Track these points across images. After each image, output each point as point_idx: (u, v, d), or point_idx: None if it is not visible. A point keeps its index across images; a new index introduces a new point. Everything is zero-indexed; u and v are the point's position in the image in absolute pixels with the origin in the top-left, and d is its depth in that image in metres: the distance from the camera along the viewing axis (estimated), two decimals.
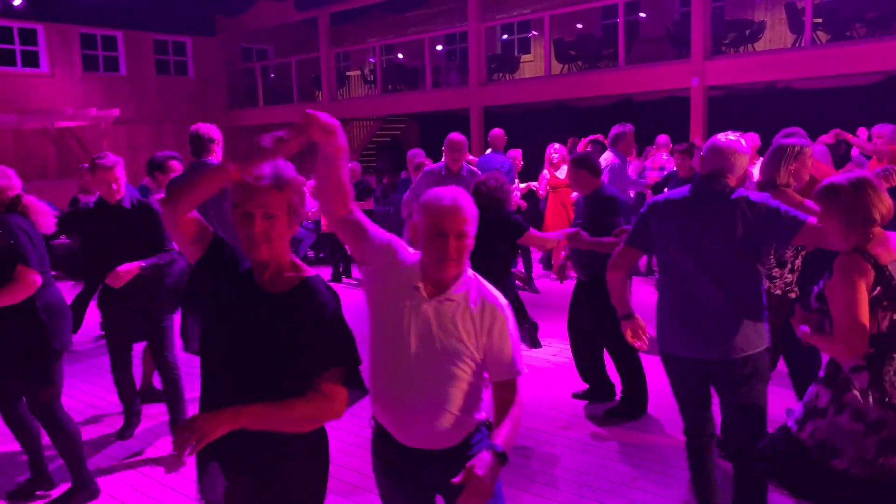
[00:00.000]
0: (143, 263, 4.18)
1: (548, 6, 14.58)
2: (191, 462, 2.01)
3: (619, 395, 4.92)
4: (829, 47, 10.74)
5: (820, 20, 11.30)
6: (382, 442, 2.27)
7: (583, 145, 9.06)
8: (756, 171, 4.32)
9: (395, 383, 2.15)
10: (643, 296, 6.99)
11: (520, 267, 8.91)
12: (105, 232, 4.30)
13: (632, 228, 3.28)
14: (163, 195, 2.44)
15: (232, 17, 18.08)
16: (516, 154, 8.98)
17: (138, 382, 5.17)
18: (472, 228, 2.09)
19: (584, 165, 4.68)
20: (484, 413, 2.25)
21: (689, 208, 3.07)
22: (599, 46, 13.73)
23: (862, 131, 7.26)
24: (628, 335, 3.32)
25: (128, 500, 3.87)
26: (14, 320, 3.56)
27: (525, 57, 16.74)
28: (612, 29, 13.67)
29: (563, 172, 8.50)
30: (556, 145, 8.78)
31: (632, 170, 9.07)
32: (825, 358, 2.73)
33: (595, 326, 4.83)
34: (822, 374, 2.70)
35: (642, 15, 15.22)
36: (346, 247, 2.21)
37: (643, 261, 9.05)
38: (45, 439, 3.85)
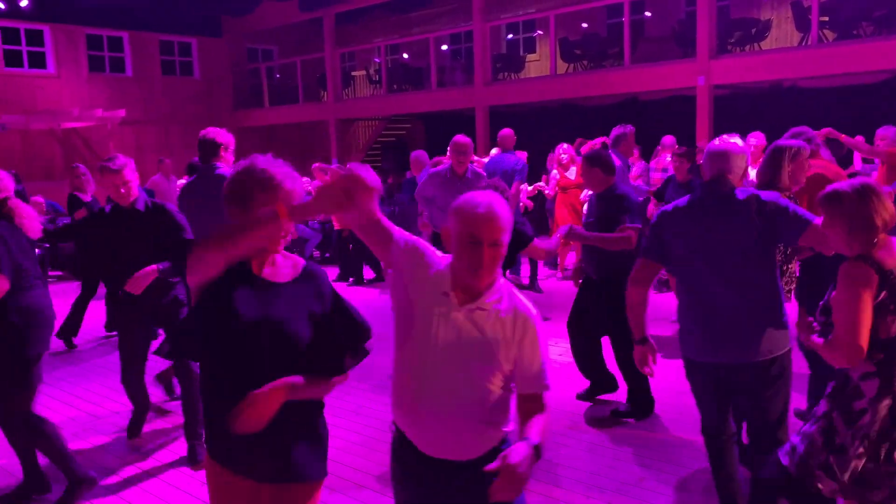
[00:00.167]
0: (160, 266, 4.07)
1: (553, 5, 14.54)
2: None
3: (620, 387, 4.91)
4: (836, 46, 10.69)
5: (826, 19, 11.23)
6: (402, 448, 2.20)
7: (588, 147, 9.04)
8: (753, 174, 4.28)
9: (419, 391, 2.08)
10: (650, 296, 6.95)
11: (523, 271, 8.90)
12: (114, 234, 4.20)
13: (646, 242, 3.26)
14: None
15: (237, 17, 18.13)
16: (521, 156, 8.97)
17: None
18: (506, 237, 2.02)
19: (597, 163, 4.68)
20: (512, 425, 2.17)
21: (698, 215, 3.07)
22: (605, 46, 13.69)
23: (860, 139, 7.18)
24: (638, 361, 3.28)
25: (135, 500, 3.88)
26: None
27: (530, 56, 16.73)
28: (618, 28, 13.64)
29: (572, 173, 8.49)
30: (565, 145, 8.75)
31: (635, 170, 9.06)
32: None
33: (596, 326, 4.83)
34: (828, 389, 2.67)
35: (648, 14, 15.19)
36: (372, 249, 2.18)
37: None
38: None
